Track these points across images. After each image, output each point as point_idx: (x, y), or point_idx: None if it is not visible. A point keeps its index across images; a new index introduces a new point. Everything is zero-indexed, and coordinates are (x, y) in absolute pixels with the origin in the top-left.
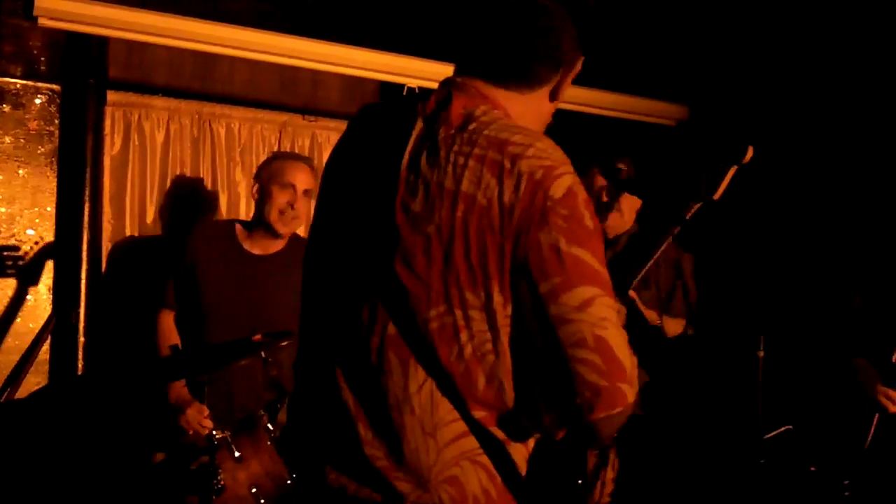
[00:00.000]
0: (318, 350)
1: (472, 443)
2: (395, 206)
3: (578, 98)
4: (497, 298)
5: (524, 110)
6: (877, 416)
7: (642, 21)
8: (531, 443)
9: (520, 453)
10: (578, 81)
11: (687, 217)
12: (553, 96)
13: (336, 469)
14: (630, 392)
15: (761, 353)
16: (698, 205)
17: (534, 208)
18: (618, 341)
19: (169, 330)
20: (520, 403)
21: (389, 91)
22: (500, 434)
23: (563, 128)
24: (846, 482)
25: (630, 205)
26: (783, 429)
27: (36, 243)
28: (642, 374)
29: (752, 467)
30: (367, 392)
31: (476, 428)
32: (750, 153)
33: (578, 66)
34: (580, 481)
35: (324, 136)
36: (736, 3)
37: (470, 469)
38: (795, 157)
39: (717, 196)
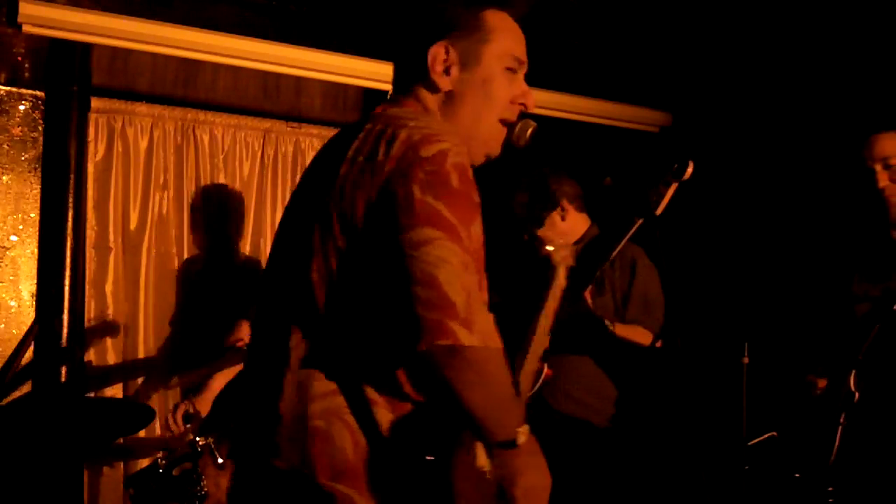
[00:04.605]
0: (259, 353)
1: (340, 401)
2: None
3: (561, 104)
4: (355, 243)
5: (444, 99)
6: (840, 428)
7: (625, 27)
8: (400, 407)
9: (385, 417)
10: (561, 87)
11: (629, 233)
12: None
13: (255, 449)
14: (462, 332)
15: (746, 360)
16: (640, 220)
17: (402, 163)
18: (450, 280)
19: None
20: (382, 359)
21: (373, 98)
22: (367, 394)
23: (547, 134)
24: (830, 489)
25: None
26: (767, 435)
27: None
28: (611, 388)
29: (737, 473)
30: (273, 374)
31: (345, 386)
32: (690, 170)
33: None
34: None
35: (307, 143)
36: (718, 10)
37: (337, 425)
38: (779, 163)
39: (658, 212)
